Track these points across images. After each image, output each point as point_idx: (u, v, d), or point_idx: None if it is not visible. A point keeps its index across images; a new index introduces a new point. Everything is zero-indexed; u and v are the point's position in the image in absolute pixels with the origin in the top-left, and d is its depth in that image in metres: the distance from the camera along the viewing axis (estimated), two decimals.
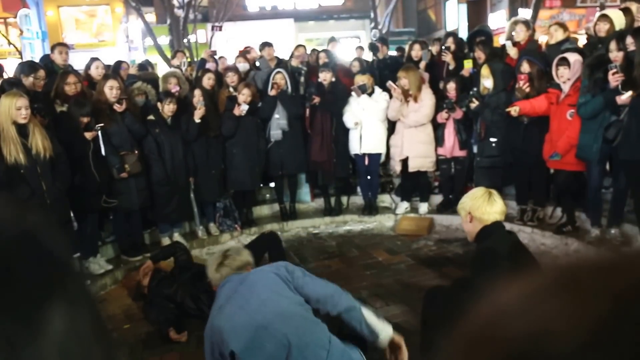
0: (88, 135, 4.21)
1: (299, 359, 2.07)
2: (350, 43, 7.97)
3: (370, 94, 5.45)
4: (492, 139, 4.90)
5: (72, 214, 4.36)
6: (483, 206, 2.48)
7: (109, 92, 4.47)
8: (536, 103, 4.50)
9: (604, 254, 0.34)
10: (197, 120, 4.91)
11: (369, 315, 2.32)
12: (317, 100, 5.36)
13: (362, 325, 2.26)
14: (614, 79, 3.82)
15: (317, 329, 2.19)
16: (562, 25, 5.25)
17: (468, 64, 5.46)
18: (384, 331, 2.28)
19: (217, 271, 2.41)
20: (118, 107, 4.46)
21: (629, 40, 3.78)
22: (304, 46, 6.77)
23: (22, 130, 3.66)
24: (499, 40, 7.54)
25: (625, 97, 3.82)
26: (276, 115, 5.42)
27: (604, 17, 4.67)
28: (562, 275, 0.31)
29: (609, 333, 0.26)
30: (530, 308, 0.29)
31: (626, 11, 4.93)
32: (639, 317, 0.26)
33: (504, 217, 2.53)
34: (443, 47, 5.74)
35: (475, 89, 4.95)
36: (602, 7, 5.38)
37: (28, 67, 4.62)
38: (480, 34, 6.25)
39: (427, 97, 5.31)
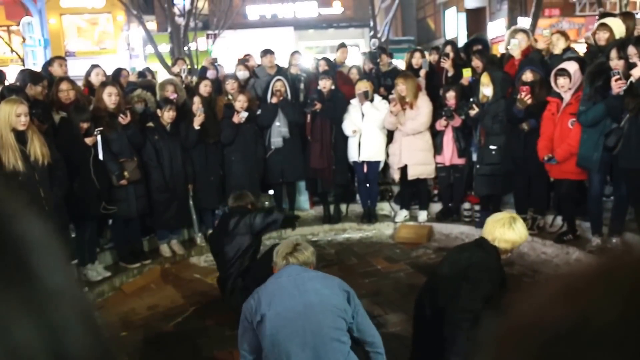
0: (88, 140, 4.21)
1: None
2: (350, 51, 7.99)
3: (370, 101, 5.46)
4: (492, 147, 4.89)
5: (70, 221, 4.35)
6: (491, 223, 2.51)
7: (108, 99, 4.47)
8: (566, 143, 4.39)
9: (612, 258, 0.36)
10: (197, 127, 4.91)
11: None
12: (318, 106, 5.36)
13: None
14: (617, 85, 3.82)
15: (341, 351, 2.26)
16: (564, 34, 5.26)
17: (467, 73, 5.47)
18: None
19: (284, 258, 2.42)
20: (123, 119, 4.45)
21: (631, 50, 3.77)
22: (298, 52, 6.79)
23: (21, 137, 3.65)
24: (498, 49, 7.56)
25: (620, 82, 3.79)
26: (277, 123, 5.42)
27: (604, 26, 4.69)
28: (600, 270, 0.34)
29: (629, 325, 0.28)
30: (570, 298, 0.32)
31: (627, 16, 4.93)
32: None
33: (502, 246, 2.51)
34: (442, 55, 5.77)
35: (473, 99, 4.95)
36: (602, 15, 5.39)
37: (34, 77, 4.63)
38: (476, 42, 6.29)
39: (424, 105, 5.31)
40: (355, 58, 7.48)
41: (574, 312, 0.31)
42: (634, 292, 0.30)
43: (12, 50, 18.04)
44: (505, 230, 2.45)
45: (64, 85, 4.51)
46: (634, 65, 3.75)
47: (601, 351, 0.28)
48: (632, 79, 3.77)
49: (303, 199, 6.11)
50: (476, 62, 5.33)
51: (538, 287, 0.35)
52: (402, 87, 5.23)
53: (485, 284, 2.37)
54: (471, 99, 4.95)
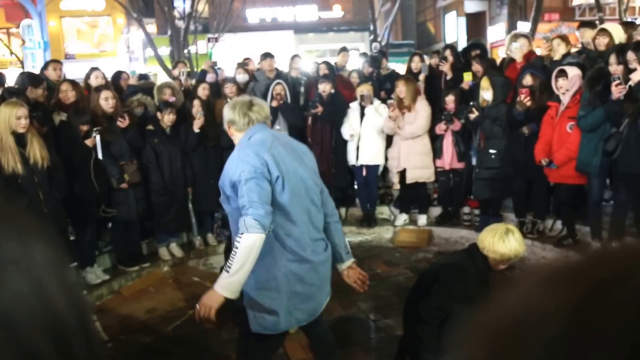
0: (88, 142, 4.21)
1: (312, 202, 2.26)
2: (350, 55, 8.01)
3: (370, 103, 5.47)
4: (492, 150, 4.89)
5: (70, 224, 4.34)
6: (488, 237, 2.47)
7: (105, 104, 4.46)
8: (565, 148, 4.38)
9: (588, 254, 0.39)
10: (197, 131, 4.91)
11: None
12: (320, 109, 5.36)
13: (343, 238, 2.50)
14: (617, 90, 3.82)
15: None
16: (565, 39, 5.27)
17: (468, 77, 5.48)
18: (351, 253, 2.49)
19: (245, 115, 2.26)
20: (121, 123, 4.45)
21: (630, 56, 3.78)
22: (299, 56, 6.80)
23: (20, 140, 3.65)
24: (498, 53, 7.59)
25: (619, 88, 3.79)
26: (277, 127, 5.43)
27: (604, 31, 4.70)
28: (547, 272, 0.37)
29: (582, 320, 0.31)
30: (520, 300, 0.35)
31: (629, 25, 4.95)
32: (611, 305, 0.31)
33: (492, 256, 2.48)
34: (441, 58, 5.78)
35: (473, 103, 4.95)
36: (601, 20, 5.41)
37: (34, 79, 4.63)
38: (474, 47, 6.31)
39: (422, 109, 5.31)
40: (355, 62, 7.49)
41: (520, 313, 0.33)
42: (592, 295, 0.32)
43: (12, 53, 18.05)
44: (495, 241, 2.41)
45: (63, 86, 4.51)
46: (633, 70, 3.76)
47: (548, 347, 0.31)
48: (630, 83, 3.77)
49: None
50: (476, 67, 5.34)
51: (515, 285, 0.37)
52: (401, 88, 5.24)
53: (458, 287, 2.37)
54: (471, 103, 4.95)
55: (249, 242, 2.03)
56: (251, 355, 2.40)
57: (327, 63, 6.53)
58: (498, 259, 2.43)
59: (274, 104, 5.37)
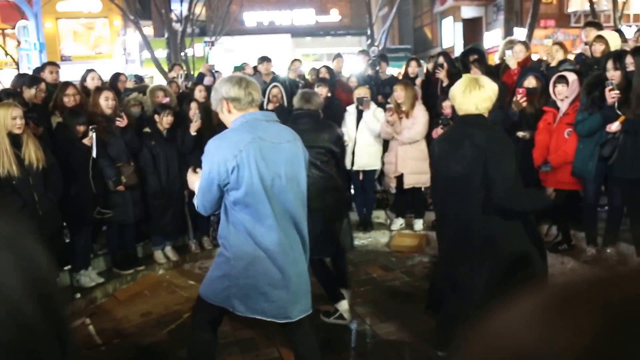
0: (86, 141, 4.19)
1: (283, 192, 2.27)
2: (347, 60, 8.05)
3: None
4: None
5: (66, 226, 4.32)
6: (458, 95, 2.56)
7: (105, 104, 4.45)
8: (562, 150, 4.40)
9: (597, 271, 0.36)
10: (193, 133, 4.89)
11: None
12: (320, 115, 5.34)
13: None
14: (610, 96, 3.85)
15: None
16: (563, 46, 5.31)
17: None
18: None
19: (248, 94, 2.27)
20: (120, 122, 4.43)
21: (629, 59, 3.81)
22: (299, 60, 6.81)
23: (16, 141, 3.63)
24: (494, 59, 7.63)
25: (614, 127, 3.85)
26: None
27: (600, 38, 4.74)
28: (559, 294, 0.33)
29: (601, 350, 0.28)
30: (531, 326, 0.31)
31: (620, 33, 5.01)
32: (633, 333, 0.28)
33: (486, 105, 2.55)
34: (436, 65, 5.80)
35: None
36: (595, 25, 5.47)
37: (30, 80, 4.61)
38: (472, 52, 6.34)
39: (420, 114, 5.33)
40: (352, 66, 7.52)
41: (534, 345, 0.30)
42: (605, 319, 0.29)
43: (7, 54, 17.98)
44: (477, 92, 2.51)
45: (70, 90, 4.48)
46: (631, 75, 3.79)
47: None
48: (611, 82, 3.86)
49: None
50: (475, 71, 5.36)
51: (513, 305, 0.34)
52: (400, 93, 5.25)
53: (511, 155, 2.51)
54: None
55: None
56: (195, 313, 2.57)
57: (327, 67, 6.54)
58: (490, 106, 2.58)
59: (270, 106, 5.36)
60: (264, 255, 2.22)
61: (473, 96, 2.49)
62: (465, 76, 2.62)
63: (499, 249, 2.48)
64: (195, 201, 2.32)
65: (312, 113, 3.53)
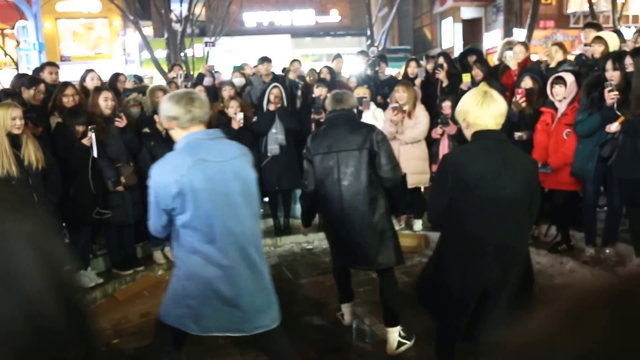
0: (85, 141, 4.19)
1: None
2: (347, 60, 8.06)
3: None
4: None
5: (65, 227, 4.31)
6: (474, 110, 2.34)
7: (104, 104, 4.45)
8: (561, 152, 4.39)
9: (609, 281, 0.36)
10: None
11: None
12: (323, 115, 5.34)
13: None
14: (610, 96, 3.86)
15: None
16: (562, 47, 5.32)
17: (467, 78, 5.52)
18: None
19: (188, 111, 2.22)
20: (119, 123, 4.43)
21: (628, 60, 3.81)
22: (299, 61, 6.82)
23: (15, 141, 3.63)
24: (494, 59, 7.65)
25: (613, 127, 3.85)
26: (273, 130, 5.42)
27: (599, 39, 4.75)
28: (574, 310, 0.34)
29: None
30: (550, 344, 0.32)
31: (616, 33, 5.03)
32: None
33: (502, 120, 2.36)
34: (436, 66, 5.81)
35: None
36: (594, 26, 5.48)
37: (29, 80, 4.60)
38: (471, 52, 6.36)
39: (422, 114, 5.35)
40: (352, 66, 7.52)
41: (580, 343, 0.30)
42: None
43: (6, 54, 17.98)
44: (495, 106, 2.32)
45: (69, 91, 4.48)
46: (630, 76, 3.79)
47: None
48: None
49: (298, 207, 6.09)
50: (477, 72, 5.38)
51: (542, 311, 0.34)
52: (403, 94, 5.25)
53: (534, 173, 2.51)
54: None
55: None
56: (155, 335, 2.47)
57: (328, 68, 6.55)
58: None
59: (272, 107, 5.36)
60: (215, 275, 2.20)
61: (492, 110, 2.31)
62: (475, 90, 2.42)
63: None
64: (149, 223, 2.28)
65: (347, 113, 3.30)
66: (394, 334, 3.26)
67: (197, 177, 2.14)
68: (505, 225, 2.29)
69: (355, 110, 3.54)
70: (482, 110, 2.32)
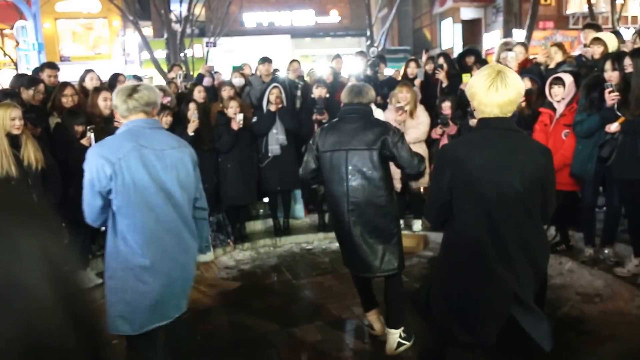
0: (84, 141, 4.19)
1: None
2: (347, 60, 8.08)
3: None
4: None
5: (63, 227, 4.30)
6: (480, 93, 2.05)
7: (103, 104, 4.45)
8: (560, 154, 4.34)
9: None
10: (191, 134, 4.89)
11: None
12: (325, 116, 5.33)
13: (205, 233, 2.65)
14: (610, 97, 3.86)
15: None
16: (562, 47, 5.32)
17: (467, 78, 5.52)
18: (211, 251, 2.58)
19: (124, 102, 2.31)
20: (118, 123, 4.42)
21: (627, 61, 3.82)
22: (298, 61, 6.83)
23: (14, 142, 3.62)
24: (492, 60, 7.67)
25: (613, 127, 3.86)
26: (274, 131, 5.42)
27: (598, 40, 4.75)
28: None
29: None
30: None
31: (617, 35, 5.03)
32: None
33: (511, 108, 2.06)
34: (436, 67, 5.82)
35: None
36: (593, 26, 5.49)
37: (28, 81, 4.60)
38: (469, 53, 6.37)
39: (423, 115, 5.37)
40: (350, 67, 7.53)
41: None
42: None
43: (5, 54, 17.96)
44: (503, 92, 2.01)
45: (68, 91, 4.47)
46: (629, 76, 3.80)
47: None
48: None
49: (298, 207, 6.10)
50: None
51: None
52: (406, 95, 5.26)
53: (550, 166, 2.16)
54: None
55: None
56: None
57: (332, 68, 6.56)
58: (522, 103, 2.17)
59: (272, 108, 5.36)
60: (142, 264, 2.26)
61: (499, 95, 2.01)
62: (488, 68, 2.10)
63: None
64: (84, 209, 2.32)
65: (363, 108, 3.07)
66: (395, 335, 3.23)
67: (134, 162, 2.20)
68: (511, 226, 2.01)
69: (373, 106, 3.33)
70: (487, 95, 2.03)
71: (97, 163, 2.19)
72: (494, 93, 2.01)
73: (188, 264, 2.41)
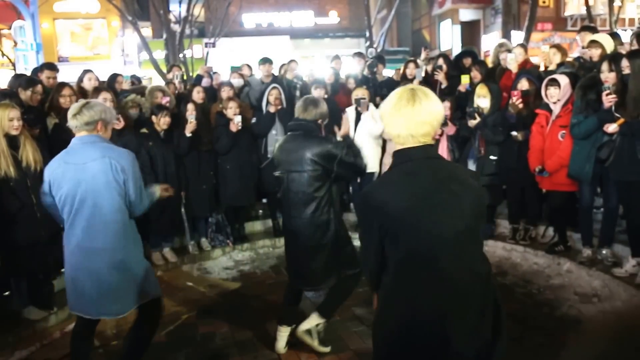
0: None
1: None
2: (346, 61, 8.10)
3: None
4: (492, 157, 4.91)
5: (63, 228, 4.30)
6: (388, 112, 1.73)
7: None
8: (557, 156, 4.39)
9: None
10: (188, 134, 4.89)
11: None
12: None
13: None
14: (608, 100, 3.87)
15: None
16: (560, 49, 5.34)
17: (465, 80, 5.54)
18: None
19: (70, 121, 2.71)
20: (117, 124, 4.42)
21: (624, 63, 3.83)
22: (296, 61, 6.84)
23: (13, 142, 3.61)
24: (489, 61, 7.70)
25: (612, 128, 3.87)
26: (273, 132, 5.42)
27: (595, 43, 4.77)
28: None
29: None
30: None
31: (614, 37, 5.05)
32: None
33: (423, 131, 1.69)
34: (435, 68, 5.84)
35: (476, 106, 4.94)
36: (590, 29, 5.52)
37: (26, 81, 4.59)
38: (466, 54, 6.39)
39: None
40: (349, 68, 7.55)
41: None
42: None
43: (3, 54, 17.92)
44: (407, 111, 1.68)
45: (66, 91, 4.47)
46: (626, 78, 3.81)
47: None
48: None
49: None
50: (475, 73, 5.40)
51: None
52: None
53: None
54: (474, 107, 4.92)
55: None
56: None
57: (333, 69, 6.57)
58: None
59: (272, 109, 5.36)
60: (72, 259, 2.69)
61: (404, 115, 1.68)
62: (403, 86, 1.77)
63: None
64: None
65: (305, 125, 3.05)
66: (315, 321, 3.31)
67: (58, 176, 2.65)
68: (450, 279, 1.64)
69: (320, 122, 3.15)
70: (391, 115, 1.71)
71: (47, 173, 2.73)
72: (396, 112, 1.69)
73: (100, 272, 2.69)
